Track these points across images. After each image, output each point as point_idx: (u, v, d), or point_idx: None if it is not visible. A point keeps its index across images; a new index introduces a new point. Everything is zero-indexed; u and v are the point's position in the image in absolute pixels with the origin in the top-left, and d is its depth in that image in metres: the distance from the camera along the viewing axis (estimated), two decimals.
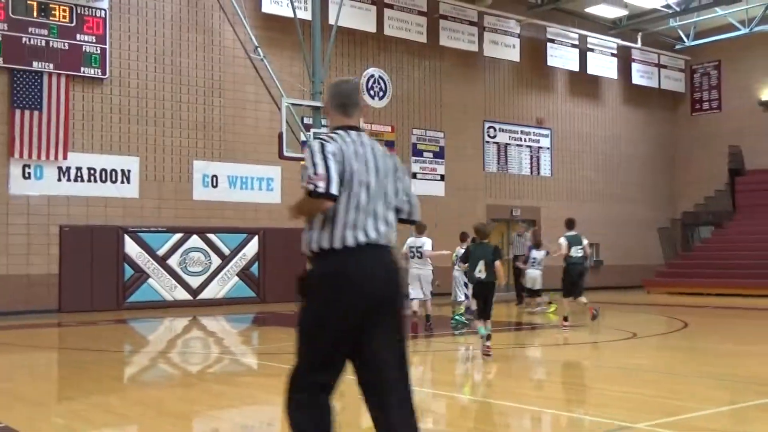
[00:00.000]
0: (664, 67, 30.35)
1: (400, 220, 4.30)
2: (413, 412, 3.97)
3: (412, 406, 3.96)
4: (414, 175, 24.20)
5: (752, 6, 27.00)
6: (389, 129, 23.74)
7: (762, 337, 14.02)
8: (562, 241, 14.81)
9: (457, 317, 15.07)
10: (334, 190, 3.91)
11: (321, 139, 4.08)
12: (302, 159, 18.66)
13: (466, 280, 14.75)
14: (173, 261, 19.91)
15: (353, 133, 4.19)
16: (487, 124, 26.03)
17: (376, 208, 4.03)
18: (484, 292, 10.60)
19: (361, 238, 3.95)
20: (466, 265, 11.11)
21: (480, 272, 10.45)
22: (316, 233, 4.01)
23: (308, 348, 3.99)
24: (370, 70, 23.37)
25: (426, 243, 13.49)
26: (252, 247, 21.12)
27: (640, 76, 29.53)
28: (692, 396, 7.77)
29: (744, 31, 27.69)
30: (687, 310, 18.75)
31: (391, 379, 3.93)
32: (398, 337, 4.02)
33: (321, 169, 3.94)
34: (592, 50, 27.80)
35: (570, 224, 15.40)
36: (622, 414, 6.70)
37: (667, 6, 26.59)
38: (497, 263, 10.41)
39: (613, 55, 28.42)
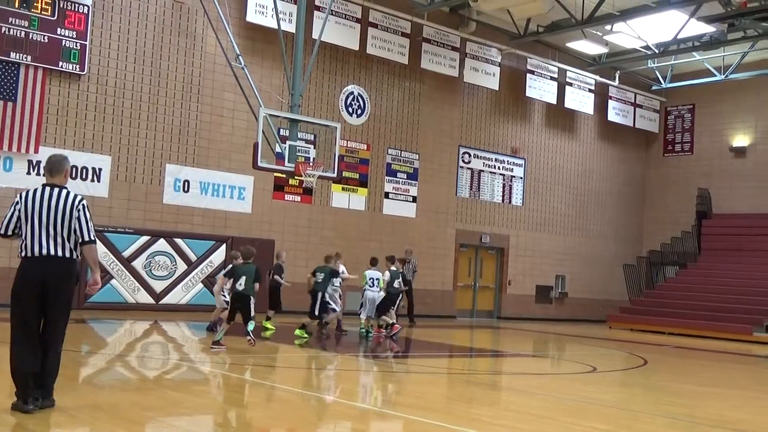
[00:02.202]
0: (640, 106, 30.76)
1: (82, 242, 6.88)
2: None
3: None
4: (386, 195, 24.24)
5: (729, 54, 27.49)
6: (365, 147, 23.79)
7: (719, 379, 14.16)
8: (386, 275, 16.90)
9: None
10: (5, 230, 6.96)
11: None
12: (276, 170, 18.66)
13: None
14: (138, 263, 19.71)
15: (46, 188, 6.92)
16: (462, 149, 26.17)
17: (44, 233, 6.78)
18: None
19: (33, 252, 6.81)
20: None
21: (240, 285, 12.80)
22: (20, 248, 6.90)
23: (16, 311, 6.78)
24: (350, 87, 23.49)
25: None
26: (219, 255, 20.97)
27: (615, 113, 29.90)
28: None
29: (719, 77, 28.17)
30: (647, 347, 18.91)
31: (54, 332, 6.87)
32: (57, 309, 6.79)
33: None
34: (570, 84, 28.12)
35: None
36: None
37: (646, 47, 26.97)
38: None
39: (590, 90, 28.76)
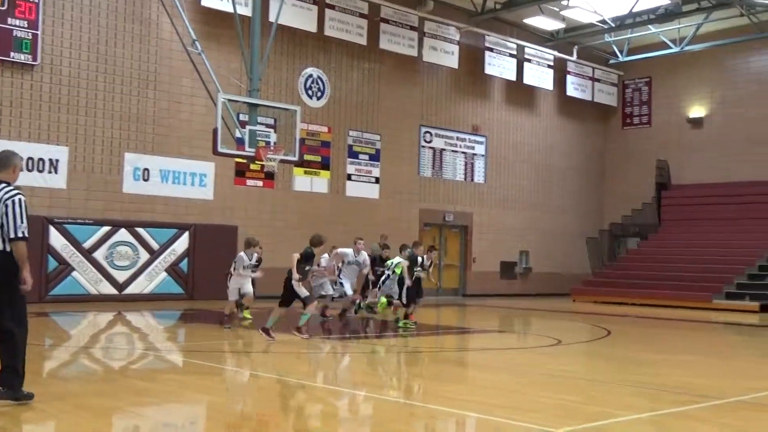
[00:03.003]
0: (598, 80, 31.00)
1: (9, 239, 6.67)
2: None
3: None
4: (349, 177, 24.19)
5: (684, 26, 27.77)
6: (326, 129, 23.70)
7: (681, 346, 14.41)
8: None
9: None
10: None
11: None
12: (237, 155, 18.50)
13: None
14: (99, 254, 19.49)
15: None
16: (423, 129, 26.19)
17: None
18: None
19: None
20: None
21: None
22: None
23: None
24: (309, 70, 23.33)
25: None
26: (182, 243, 20.81)
27: (574, 88, 30.10)
28: (613, 403, 7.93)
29: (675, 49, 28.46)
30: (611, 318, 19.16)
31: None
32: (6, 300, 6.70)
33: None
34: (528, 61, 28.22)
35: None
36: (546, 419, 6.79)
37: (603, 21, 27.16)
38: None
39: (549, 66, 28.90)
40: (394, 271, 15.59)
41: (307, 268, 12.90)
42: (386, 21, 24.16)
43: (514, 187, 28.94)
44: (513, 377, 9.64)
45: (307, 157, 22.73)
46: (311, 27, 22.48)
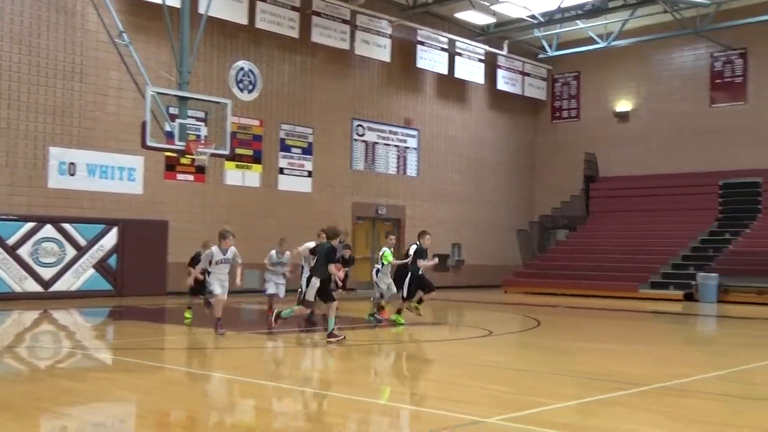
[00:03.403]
0: (528, 74, 31.43)
1: None
2: None
3: None
4: (281, 171, 24.05)
5: (610, 21, 28.34)
6: (257, 123, 23.50)
7: (609, 335, 14.74)
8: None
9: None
10: None
11: None
12: (167, 149, 18.19)
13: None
14: (24, 251, 18.98)
15: None
16: (355, 122, 26.18)
17: None
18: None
19: None
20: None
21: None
22: None
23: None
24: (240, 63, 23.06)
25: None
26: (110, 239, 20.41)
27: (505, 82, 30.46)
28: (543, 391, 8.07)
29: (602, 44, 29.03)
30: (541, 309, 19.48)
31: None
32: None
33: None
34: (460, 55, 28.44)
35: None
36: (476, 409, 6.87)
37: (532, 16, 27.55)
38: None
39: (480, 60, 29.17)
40: (382, 263, 15.08)
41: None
42: (318, 14, 24.05)
43: (447, 180, 29.17)
44: (445, 368, 9.73)
45: (238, 150, 22.50)
46: (242, 19, 22.24)
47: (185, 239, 21.83)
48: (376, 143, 26.82)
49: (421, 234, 15.11)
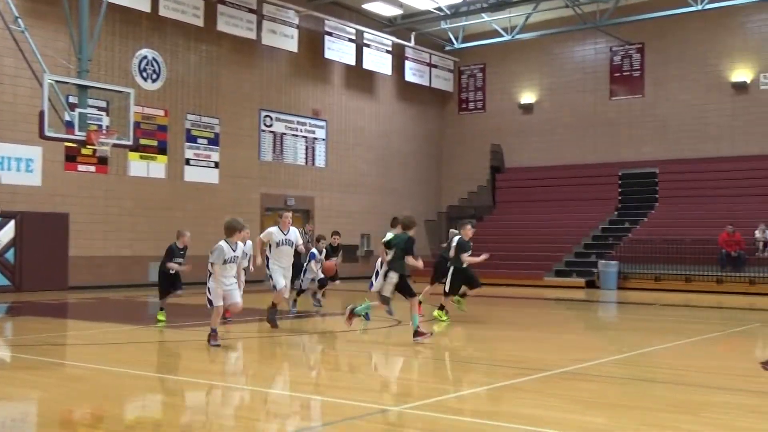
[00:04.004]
0: (435, 66, 31.74)
1: None
2: None
3: None
4: (187, 162, 23.64)
5: (514, 15, 28.89)
6: (162, 113, 23.02)
7: (515, 322, 15.06)
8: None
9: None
10: None
11: None
12: (66, 140, 17.63)
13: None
14: None
15: None
16: (263, 113, 25.94)
17: None
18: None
19: None
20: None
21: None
22: None
23: None
24: (144, 51, 22.58)
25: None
26: (7, 232, 19.69)
27: (412, 73, 30.68)
28: (450, 379, 8.20)
29: (507, 37, 29.56)
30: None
31: None
32: None
33: None
34: (368, 46, 28.50)
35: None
36: (383, 398, 6.93)
37: (439, 9, 27.83)
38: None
39: (387, 52, 29.30)
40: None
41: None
42: (224, 2, 23.70)
43: (355, 171, 29.22)
44: (353, 358, 9.76)
45: (142, 141, 22.01)
46: (144, 6, 21.69)
47: (87, 232, 21.27)
48: (284, 134, 26.64)
49: (462, 225, 14.31)
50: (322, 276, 15.83)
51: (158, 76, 22.91)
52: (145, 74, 22.56)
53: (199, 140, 24.01)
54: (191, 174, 23.76)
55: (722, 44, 27.56)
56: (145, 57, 22.57)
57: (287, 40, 25.73)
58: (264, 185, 25.94)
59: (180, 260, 13.44)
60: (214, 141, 24.41)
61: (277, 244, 12.31)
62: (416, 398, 6.90)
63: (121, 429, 6.11)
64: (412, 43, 30.24)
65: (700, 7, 25.56)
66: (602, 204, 28.70)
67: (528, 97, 31.46)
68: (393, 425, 6.09)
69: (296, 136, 27.08)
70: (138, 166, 22.42)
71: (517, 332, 13.19)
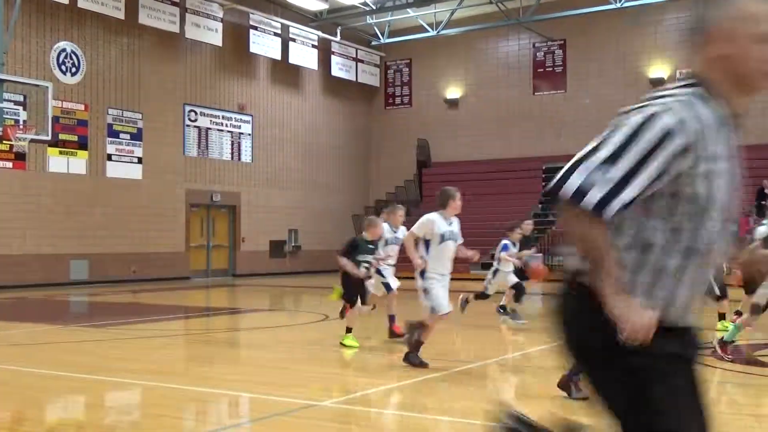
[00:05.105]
0: (361, 61, 31.77)
1: None
2: None
3: None
4: (109, 157, 23.15)
5: (440, 10, 29.12)
6: (82, 107, 22.47)
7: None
8: None
9: None
10: None
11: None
12: None
13: None
14: None
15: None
16: (187, 108, 25.56)
17: None
18: None
19: None
20: None
21: None
22: None
23: None
24: (62, 44, 22.01)
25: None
26: None
27: (339, 68, 30.64)
28: (377, 373, 8.25)
29: (432, 33, 29.78)
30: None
31: None
32: None
33: None
34: (294, 40, 28.35)
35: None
36: (311, 393, 6.93)
37: (365, 3, 27.86)
38: None
39: (314, 46, 29.19)
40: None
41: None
42: None
43: (282, 166, 29.05)
44: (280, 354, 9.74)
45: (62, 136, 21.48)
46: None
47: (5, 230, 20.66)
48: (210, 129, 26.31)
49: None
50: (517, 280, 12.83)
51: (78, 69, 22.37)
52: (64, 68, 22.00)
53: (122, 135, 23.53)
54: (113, 170, 23.28)
55: (640, 41, 28.30)
56: (64, 50, 22.01)
57: (211, 33, 25.39)
58: (189, 181, 25.57)
59: (369, 259, 10.38)
60: (137, 136, 23.95)
61: (441, 238, 8.41)
62: (342, 392, 6.93)
63: (43, 431, 5.98)
64: (338, 38, 30.20)
65: (618, 5, 26.18)
66: (527, 197, 29.17)
67: (454, 92, 31.77)
68: (320, 420, 6.10)
69: (222, 131, 26.77)
70: (57, 162, 21.85)
71: (445, 325, 13.31)
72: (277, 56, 27.85)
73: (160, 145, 24.61)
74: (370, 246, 10.51)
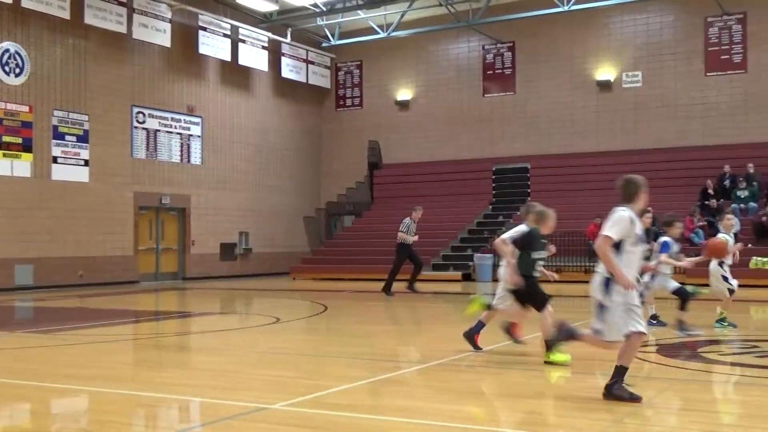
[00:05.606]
0: (312, 63, 31.68)
1: None
2: None
3: None
4: (55, 160, 22.72)
5: (390, 12, 29.18)
6: (26, 109, 22.04)
7: (393, 317, 15.25)
8: None
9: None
10: None
11: None
12: None
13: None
14: None
15: None
16: (136, 109, 25.22)
17: None
18: None
19: None
20: None
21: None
22: None
23: None
24: (5, 44, 21.60)
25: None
26: None
27: (289, 70, 30.52)
28: (330, 374, 8.23)
29: (383, 35, 29.83)
30: (328, 294, 19.81)
31: None
32: None
33: None
34: (243, 42, 28.16)
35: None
36: (260, 396, 6.89)
37: (315, 5, 27.80)
38: None
39: (264, 48, 29.03)
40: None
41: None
42: None
43: (233, 168, 28.83)
44: (231, 358, 9.66)
45: (5, 138, 21.07)
46: None
47: None
48: (159, 131, 26.00)
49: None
50: (677, 285, 11.17)
51: (22, 70, 21.93)
52: (7, 68, 21.56)
53: (68, 137, 23.12)
54: (59, 172, 22.85)
55: (588, 44, 28.71)
56: (7, 50, 21.57)
57: (159, 34, 25.10)
58: (138, 183, 25.23)
59: (543, 255, 8.95)
60: (83, 138, 23.56)
61: (635, 241, 6.63)
62: (293, 395, 6.90)
63: None
64: (288, 40, 30.08)
65: (566, 8, 26.52)
66: (477, 199, 29.40)
67: (405, 93, 31.86)
68: (271, 423, 6.07)
69: (171, 132, 26.47)
70: (1, 165, 21.39)
71: (395, 326, 13.37)
72: (227, 57, 27.64)
73: (108, 147, 24.24)
74: (544, 242, 8.91)
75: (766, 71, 26.05)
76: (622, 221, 6.58)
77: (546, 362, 8.25)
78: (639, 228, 6.64)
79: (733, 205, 23.38)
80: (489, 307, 9.20)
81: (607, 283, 6.48)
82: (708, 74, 26.95)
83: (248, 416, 6.18)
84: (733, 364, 8.94)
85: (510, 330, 9.36)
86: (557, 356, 8.19)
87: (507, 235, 9.11)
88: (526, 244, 8.71)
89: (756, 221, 22.51)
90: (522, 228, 8.89)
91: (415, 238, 18.38)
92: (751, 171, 24.48)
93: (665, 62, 27.61)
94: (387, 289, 18.58)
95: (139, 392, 7.34)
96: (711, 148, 26.35)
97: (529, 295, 8.71)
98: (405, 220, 18.75)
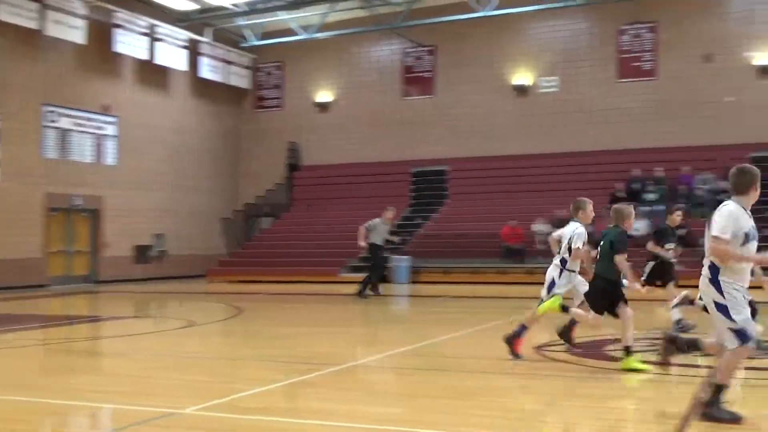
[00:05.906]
0: (232, 63, 31.34)
1: None
2: None
3: None
4: None
5: (312, 14, 29.10)
6: None
7: (309, 319, 15.23)
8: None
9: None
10: None
11: None
12: None
13: None
14: None
15: None
16: (47, 108, 24.51)
17: None
18: None
19: None
20: None
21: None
22: None
23: None
24: None
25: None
26: None
27: (208, 70, 30.11)
28: (244, 378, 8.18)
29: (304, 36, 29.73)
30: (244, 297, 19.66)
31: None
32: None
33: None
34: (161, 40, 27.65)
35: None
36: (171, 401, 6.81)
37: (236, 5, 27.54)
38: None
39: (182, 47, 28.57)
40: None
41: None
42: None
43: (148, 168, 28.25)
44: (142, 362, 9.50)
45: None
46: None
47: None
48: (71, 130, 25.31)
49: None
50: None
51: None
52: None
53: None
54: None
55: (506, 49, 29.20)
56: None
57: (73, 31, 24.42)
58: (50, 184, 24.50)
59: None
60: None
61: (746, 237, 5.91)
62: (206, 399, 6.84)
63: None
64: (207, 39, 29.70)
65: (484, 14, 26.90)
66: (395, 201, 29.40)
67: (325, 95, 31.83)
68: (180, 428, 6.00)
69: (84, 132, 25.80)
70: None
71: (312, 328, 13.35)
72: (144, 56, 27.09)
73: (18, 146, 23.49)
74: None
75: (675, 78, 26.95)
76: (730, 217, 5.87)
77: (624, 369, 7.97)
78: (748, 222, 5.93)
79: (642, 208, 24.11)
80: (565, 309, 8.63)
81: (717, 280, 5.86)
82: (619, 81, 27.76)
83: (158, 421, 6.10)
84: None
85: (568, 334, 8.96)
86: (635, 362, 7.94)
87: (582, 240, 8.67)
88: (622, 245, 8.10)
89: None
90: (613, 230, 8.29)
91: (394, 238, 18.67)
92: (661, 175, 25.30)
93: (581, 68, 28.30)
94: (375, 289, 18.92)
95: (48, 399, 7.16)
96: (622, 152, 27.13)
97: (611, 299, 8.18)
98: (373, 219, 18.93)
